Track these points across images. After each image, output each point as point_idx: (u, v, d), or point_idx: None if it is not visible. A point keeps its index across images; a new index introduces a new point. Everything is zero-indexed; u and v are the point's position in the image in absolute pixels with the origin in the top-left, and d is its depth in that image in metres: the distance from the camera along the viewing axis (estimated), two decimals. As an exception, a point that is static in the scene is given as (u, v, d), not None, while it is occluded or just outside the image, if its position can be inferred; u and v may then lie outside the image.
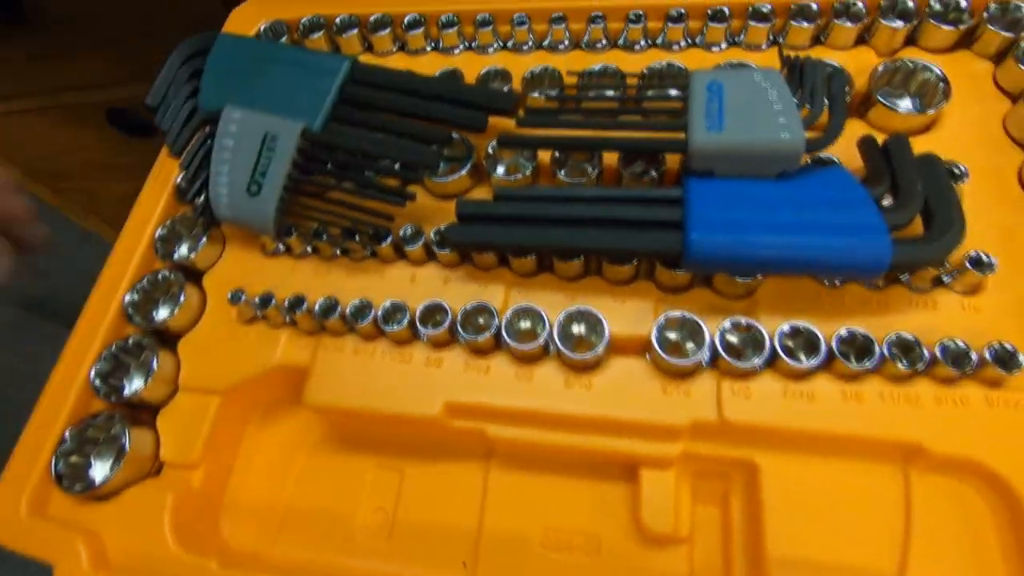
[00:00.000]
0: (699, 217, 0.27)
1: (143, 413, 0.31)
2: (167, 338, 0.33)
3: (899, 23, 0.34)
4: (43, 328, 1.06)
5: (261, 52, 0.36)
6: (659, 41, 0.37)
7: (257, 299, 0.31)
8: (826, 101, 0.29)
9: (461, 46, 0.40)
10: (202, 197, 0.34)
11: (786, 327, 0.27)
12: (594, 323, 0.29)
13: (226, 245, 0.35)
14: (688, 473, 0.28)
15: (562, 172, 0.33)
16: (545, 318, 0.29)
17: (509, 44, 0.39)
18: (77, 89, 0.76)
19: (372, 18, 0.40)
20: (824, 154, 0.30)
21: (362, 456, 0.32)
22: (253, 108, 0.34)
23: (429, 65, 0.39)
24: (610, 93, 0.35)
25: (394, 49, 0.41)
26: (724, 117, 0.27)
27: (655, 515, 0.27)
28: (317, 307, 0.31)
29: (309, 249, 0.34)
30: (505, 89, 0.37)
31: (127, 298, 0.33)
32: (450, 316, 0.30)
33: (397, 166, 0.33)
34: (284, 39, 0.41)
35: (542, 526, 0.29)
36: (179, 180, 0.36)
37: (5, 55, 0.70)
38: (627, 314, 0.29)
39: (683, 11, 0.36)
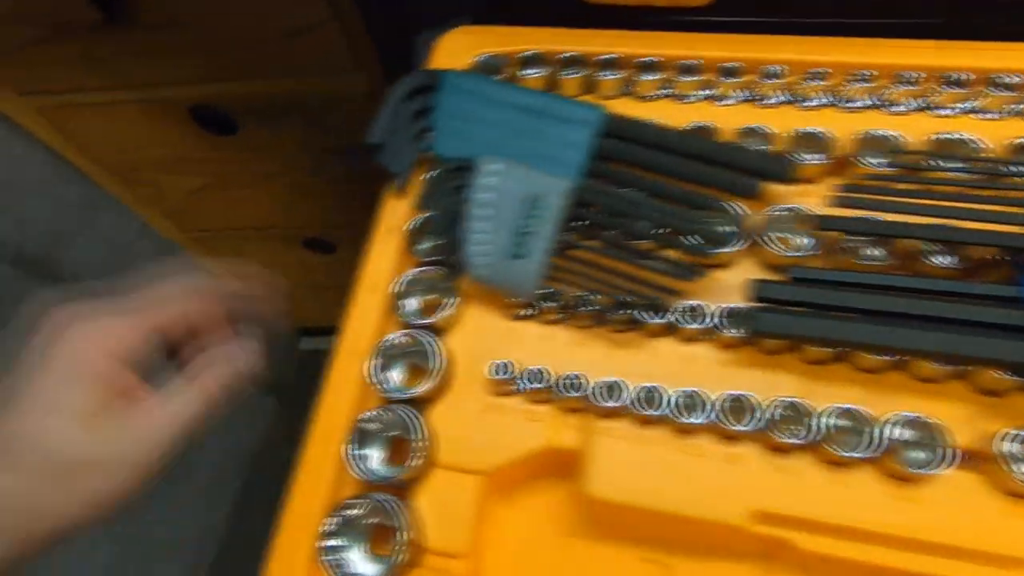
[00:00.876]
0: (1071, 328, 0.24)
1: (398, 492, 0.29)
2: (415, 406, 0.30)
3: None
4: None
5: (500, 95, 0.34)
6: (946, 108, 0.34)
7: (525, 375, 0.29)
8: None
9: (696, 94, 0.37)
10: (447, 252, 0.32)
11: None
12: (921, 429, 0.26)
13: (465, 303, 0.33)
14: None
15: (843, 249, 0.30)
16: (868, 420, 0.26)
17: (749, 95, 0.37)
18: (163, 85, 0.74)
19: (601, 58, 0.37)
20: None
21: (622, 546, 0.30)
22: (509, 160, 0.31)
23: (661, 111, 0.36)
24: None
25: (619, 92, 0.38)
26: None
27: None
28: (595, 389, 0.28)
29: (564, 316, 0.31)
30: (761, 149, 0.34)
31: (371, 364, 0.30)
32: (756, 411, 0.27)
33: (657, 231, 0.30)
34: (500, 76, 0.39)
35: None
36: (412, 226, 0.34)
37: (100, 52, 0.69)
38: (950, 421, 0.27)
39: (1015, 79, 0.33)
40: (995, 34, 0.35)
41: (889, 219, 0.28)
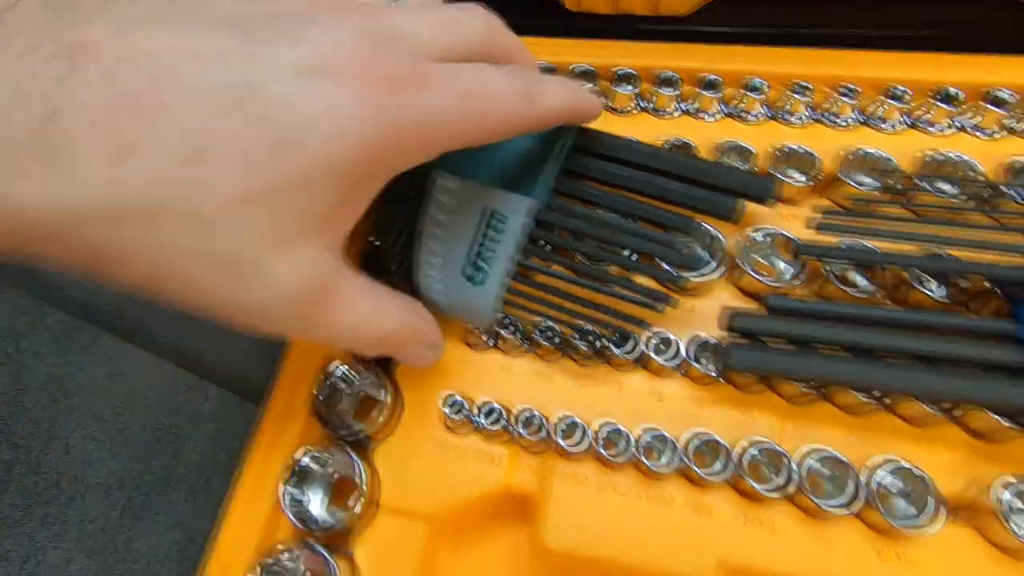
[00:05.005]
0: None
1: (336, 538, 0.26)
2: (359, 444, 0.28)
3: None
4: (84, 333, 1.02)
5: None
6: (937, 126, 0.32)
7: (480, 411, 0.27)
8: None
9: (678, 109, 0.35)
10: (399, 277, 0.29)
11: None
12: (909, 478, 0.24)
13: (420, 331, 0.30)
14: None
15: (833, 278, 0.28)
16: (854, 472, 0.24)
17: (731, 110, 0.35)
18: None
19: (575, 69, 0.35)
20: None
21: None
22: (464, 175, 0.29)
23: (638, 126, 0.34)
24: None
25: (593, 105, 0.36)
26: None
27: None
28: (557, 427, 0.26)
29: (526, 346, 0.29)
30: (743, 167, 0.32)
31: (315, 395, 0.28)
32: (729, 456, 0.25)
33: (634, 257, 0.28)
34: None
35: None
36: (370, 244, 0.31)
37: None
38: (940, 468, 0.24)
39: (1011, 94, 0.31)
40: (990, 46, 0.33)
41: (874, 245, 0.26)
